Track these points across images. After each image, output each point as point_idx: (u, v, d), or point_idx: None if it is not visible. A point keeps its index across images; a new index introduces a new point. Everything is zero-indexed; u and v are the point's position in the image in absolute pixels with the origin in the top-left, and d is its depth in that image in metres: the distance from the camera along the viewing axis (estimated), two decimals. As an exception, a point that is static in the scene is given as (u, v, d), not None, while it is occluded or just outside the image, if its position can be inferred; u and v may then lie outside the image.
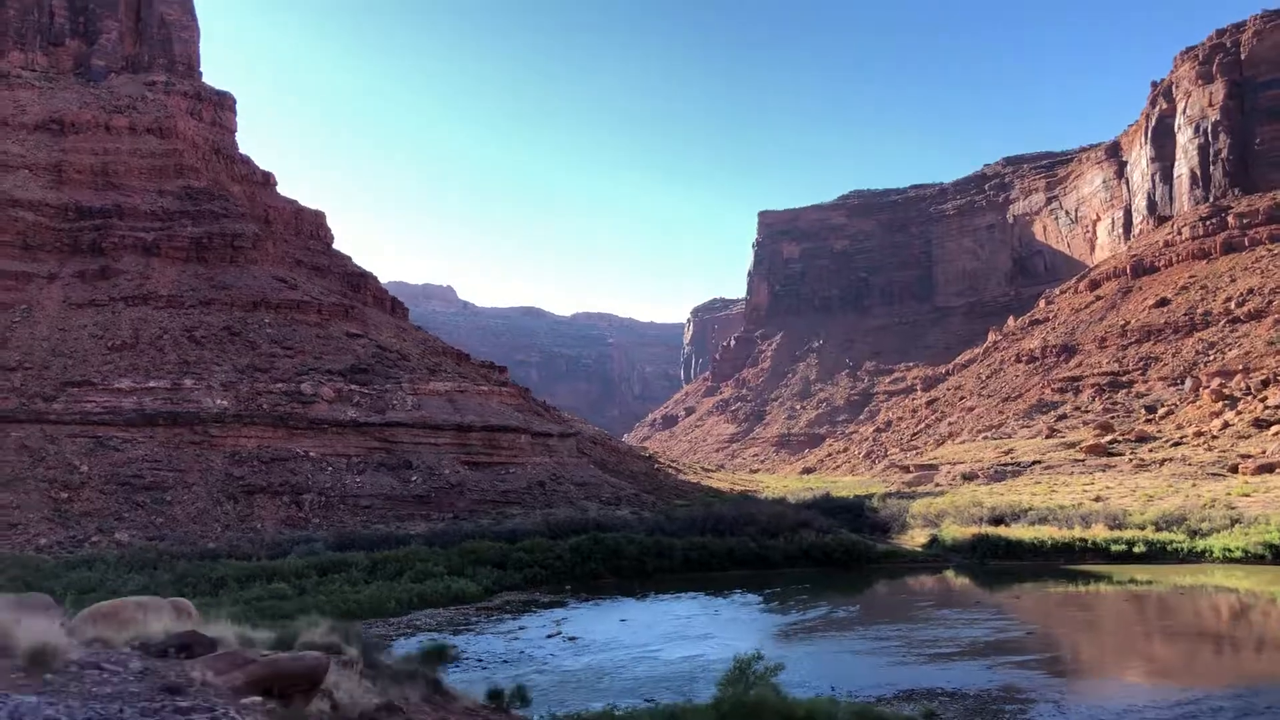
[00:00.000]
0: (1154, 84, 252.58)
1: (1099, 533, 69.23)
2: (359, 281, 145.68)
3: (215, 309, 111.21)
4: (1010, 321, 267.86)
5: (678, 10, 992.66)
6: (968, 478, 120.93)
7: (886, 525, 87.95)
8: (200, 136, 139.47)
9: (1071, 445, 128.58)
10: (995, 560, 69.05)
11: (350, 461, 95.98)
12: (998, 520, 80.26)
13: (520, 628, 50.35)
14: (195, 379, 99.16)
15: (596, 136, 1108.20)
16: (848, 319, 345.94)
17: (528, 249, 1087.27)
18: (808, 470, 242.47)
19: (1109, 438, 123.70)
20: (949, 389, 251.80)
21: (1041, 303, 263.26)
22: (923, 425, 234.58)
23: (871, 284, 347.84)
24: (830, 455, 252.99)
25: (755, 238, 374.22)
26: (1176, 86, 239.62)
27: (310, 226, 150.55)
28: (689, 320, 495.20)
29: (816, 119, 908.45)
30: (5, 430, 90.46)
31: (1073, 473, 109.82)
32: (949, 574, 67.86)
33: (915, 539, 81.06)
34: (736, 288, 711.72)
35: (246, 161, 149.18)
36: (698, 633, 47.66)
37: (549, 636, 47.70)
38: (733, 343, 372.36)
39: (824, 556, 70.30)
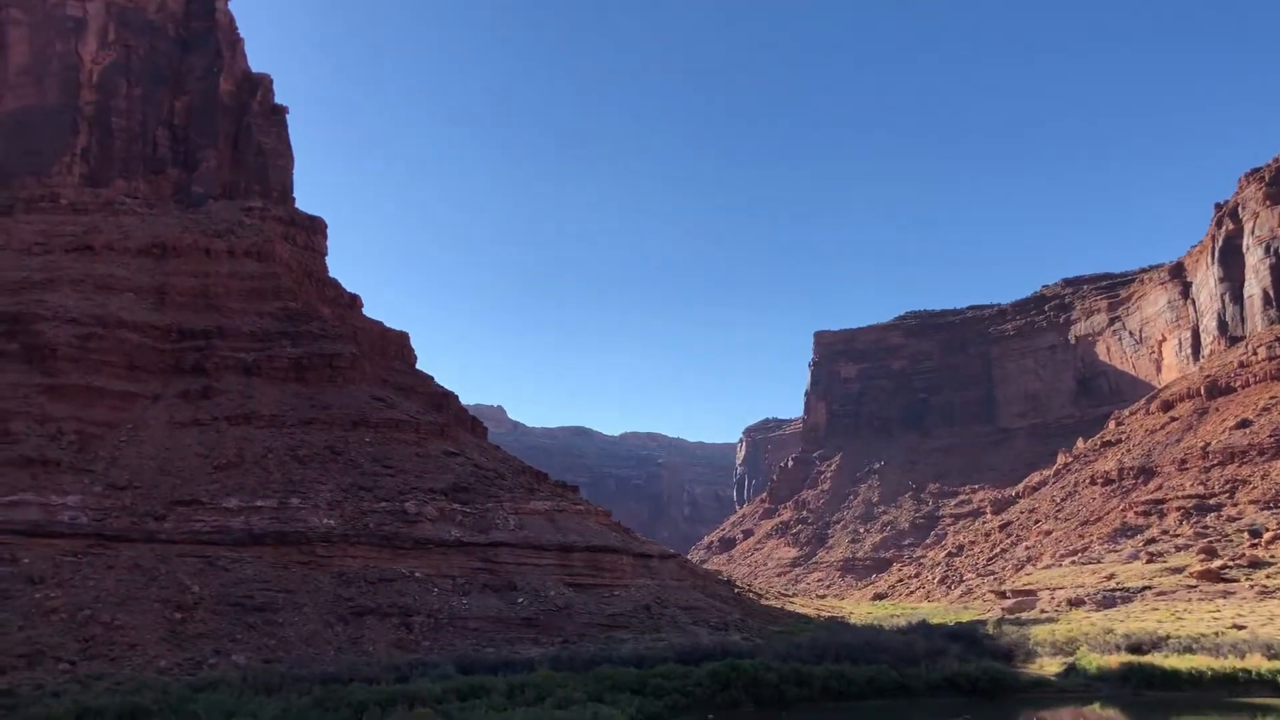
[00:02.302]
0: (1218, 205, 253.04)
1: (1260, 663, 66.25)
2: (442, 401, 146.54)
3: (316, 428, 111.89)
4: (1080, 443, 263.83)
5: (719, 124, 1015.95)
6: (1074, 604, 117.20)
7: (1009, 653, 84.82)
8: (294, 260, 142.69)
9: (1177, 570, 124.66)
10: (1150, 691, 66.11)
11: (455, 582, 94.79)
12: (1135, 649, 77.26)
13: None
14: (301, 498, 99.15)
15: (640, 252, 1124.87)
16: (908, 440, 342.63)
17: (576, 369, 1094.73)
18: (879, 596, 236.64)
19: (1218, 563, 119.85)
20: (1021, 512, 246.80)
21: (1112, 424, 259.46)
22: (998, 549, 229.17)
23: (931, 404, 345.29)
24: (902, 581, 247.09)
25: (811, 358, 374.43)
26: (1243, 207, 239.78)
27: (395, 347, 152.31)
28: (741, 440, 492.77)
29: (870, 238, 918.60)
30: (117, 549, 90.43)
31: (1190, 599, 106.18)
32: (1096, 706, 65.03)
33: (1045, 667, 78.06)
34: (788, 408, 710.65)
35: (335, 284, 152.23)
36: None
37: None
38: (790, 463, 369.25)
39: (969, 685, 67.71)
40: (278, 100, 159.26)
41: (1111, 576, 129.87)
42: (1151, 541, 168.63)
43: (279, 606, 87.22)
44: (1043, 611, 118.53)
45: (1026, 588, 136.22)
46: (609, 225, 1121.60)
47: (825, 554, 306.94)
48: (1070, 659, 77.75)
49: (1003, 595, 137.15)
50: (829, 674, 68.03)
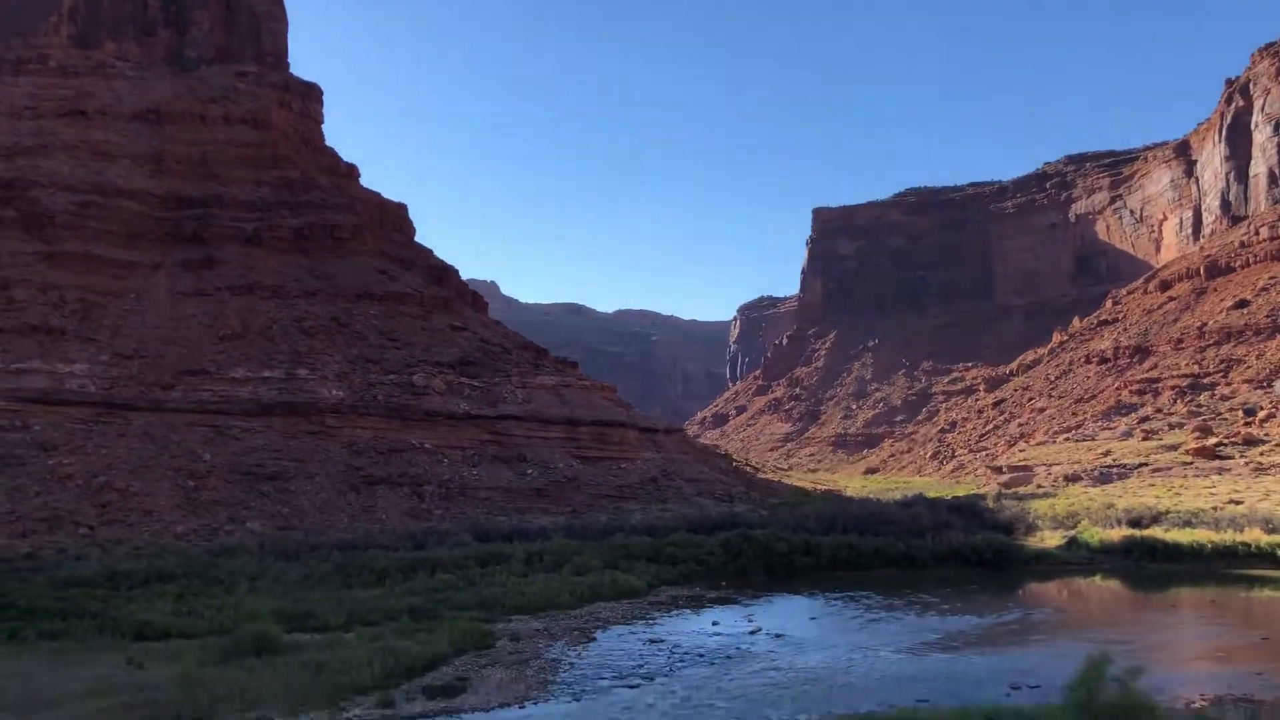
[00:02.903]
0: (1229, 81, 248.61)
1: (1259, 536, 67.55)
2: (442, 275, 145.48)
3: (320, 300, 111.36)
4: (1076, 322, 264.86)
5: (727, 5, 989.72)
6: (1071, 479, 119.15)
7: (1010, 526, 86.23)
8: (291, 127, 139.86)
9: (1172, 448, 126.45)
10: (1152, 564, 67.51)
11: (465, 453, 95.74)
12: (1135, 523, 78.58)
13: (714, 623, 49.47)
14: (309, 369, 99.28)
15: (641, 131, 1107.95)
16: (903, 318, 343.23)
17: (570, 245, 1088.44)
18: (871, 470, 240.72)
19: (1213, 441, 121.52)
20: (1015, 389, 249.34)
21: (1109, 303, 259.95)
22: (991, 426, 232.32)
23: (928, 282, 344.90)
24: (893, 456, 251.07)
25: (809, 235, 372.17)
26: (1254, 83, 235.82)
27: (394, 219, 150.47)
28: (736, 318, 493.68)
29: (871, 114, 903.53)
30: (127, 418, 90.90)
31: (1186, 476, 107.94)
32: (1098, 578, 66.41)
33: (1046, 541, 79.37)
34: (783, 286, 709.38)
35: (332, 153, 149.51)
36: (900, 632, 46.63)
37: (751, 633, 46.81)
38: (785, 341, 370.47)
39: (974, 557, 69.02)
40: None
41: (1107, 453, 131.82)
42: (1145, 420, 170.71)
43: (291, 475, 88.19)
44: (1039, 487, 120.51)
45: (1022, 464, 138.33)
46: (604, 99, 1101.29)
47: (818, 430, 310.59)
48: (1071, 533, 78.99)
49: (998, 470, 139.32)
50: (837, 544, 69.22)
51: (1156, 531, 72.77)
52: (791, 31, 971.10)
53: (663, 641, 44.83)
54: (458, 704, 34.60)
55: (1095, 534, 74.92)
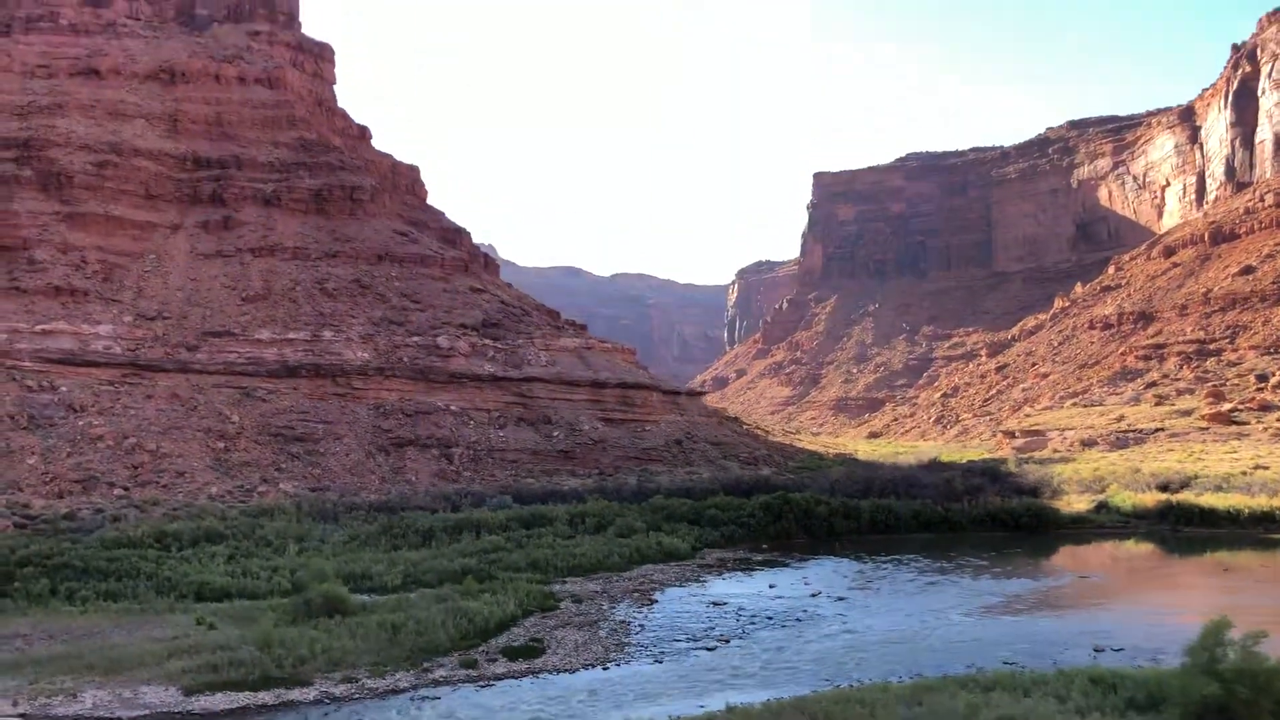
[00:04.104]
0: (1235, 46, 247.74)
1: (1294, 501, 68.15)
2: (455, 237, 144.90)
3: (341, 261, 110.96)
4: (1079, 287, 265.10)
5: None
6: (1087, 444, 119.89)
7: (1036, 490, 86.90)
8: (305, 88, 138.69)
9: (1186, 413, 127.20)
10: (1188, 528, 68.12)
11: (491, 415, 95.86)
12: (1164, 487, 79.24)
13: (770, 585, 49.87)
14: (333, 331, 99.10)
15: (639, 92, 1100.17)
16: (904, 282, 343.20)
17: (567, 207, 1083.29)
18: (874, 435, 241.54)
19: (1228, 406, 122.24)
20: (1018, 354, 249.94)
21: (1111, 269, 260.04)
22: (994, 391, 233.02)
23: (929, 247, 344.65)
24: (896, 420, 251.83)
25: (810, 199, 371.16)
26: (1262, 49, 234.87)
27: (407, 181, 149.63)
28: (734, 282, 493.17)
29: (872, 78, 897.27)
30: (154, 379, 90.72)
31: (1204, 441, 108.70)
32: (1132, 542, 66.98)
33: (1074, 504, 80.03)
34: (781, 250, 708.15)
35: (345, 115, 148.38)
36: (960, 595, 47.04)
37: (812, 595, 47.22)
38: (785, 305, 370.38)
39: (1011, 521, 69.55)
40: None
41: (1121, 418, 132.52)
42: (1152, 385, 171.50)
43: (319, 437, 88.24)
44: (1055, 451, 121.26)
45: (1035, 428, 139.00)
46: (603, 58, 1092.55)
47: (818, 394, 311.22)
48: (1100, 497, 79.64)
49: (1011, 435, 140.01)
50: (876, 508, 69.70)
51: (1189, 496, 73.34)
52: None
53: (726, 604, 45.21)
54: (540, 664, 34.99)
55: (1127, 498, 75.53)
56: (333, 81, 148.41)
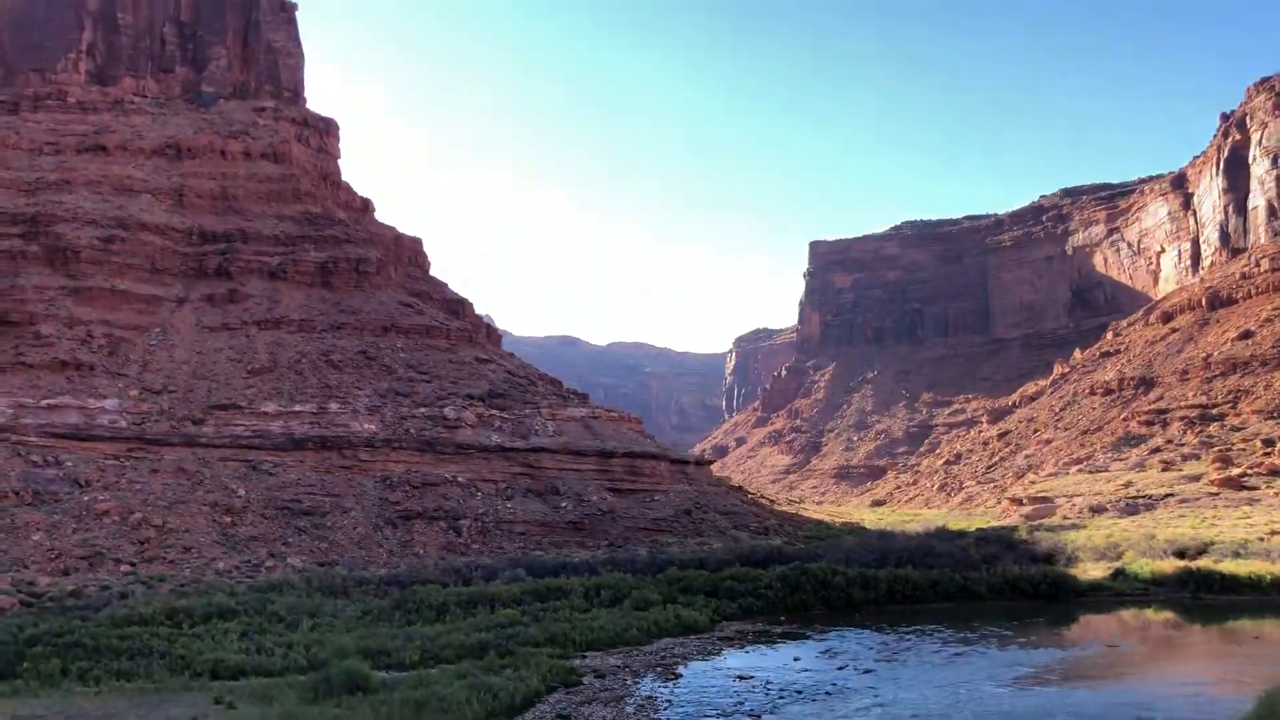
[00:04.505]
0: (1224, 115, 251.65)
1: (1317, 568, 67.40)
2: (458, 308, 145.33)
3: (347, 333, 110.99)
4: (1078, 353, 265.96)
5: (722, 39, 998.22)
6: (1096, 511, 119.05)
7: (1050, 557, 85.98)
8: (309, 162, 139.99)
9: (1194, 479, 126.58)
10: (1209, 595, 67.24)
11: (498, 486, 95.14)
12: (1181, 554, 78.44)
13: (795, 658, 48.97)
14: (340, 403, 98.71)
15: (633, 161, 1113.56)
16: (901, 350, 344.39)
17: (562, 277, 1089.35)
18: (878, 503, 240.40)
19: (1237, 471, 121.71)
20: (1019, 421, 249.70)
21: (1109, 335, 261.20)
22: (997, 458, 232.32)
23: (925, 315, 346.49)
24: (899, 488, 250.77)
25: (807, 267, 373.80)
26: (1251, 118, 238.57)
27: (410, 253, 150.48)
28: (731, 350, 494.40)
29: (866, 147, 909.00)
30: (159, 453, 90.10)
31: (1216, 507, 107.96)
32: (1151, 610, 66.07)
33: (1089, 572, 79.09)
34: (778, 318, 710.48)
35: (348, 188, 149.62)
36: (989, 666, 46.20)
37: (839, 669, 46.35)
38: (783, 373, 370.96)
39: (1030, 589, 68.64)
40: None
41: (1128, 484, 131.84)
42: (1156, 450, 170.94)
43: (326, 510, 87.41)
44: (1065, 518, 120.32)
45: (1042, 495, 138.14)
46: (598, 129, 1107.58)
47: (819, 461, 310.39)
48: (1116, 564, 78.72)
49: (1018, 502, 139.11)
50: (893, 578, 68.66)
51: (1208, 563, 72.55)
52: (786, 64, 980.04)
53: (752, 678, 44.30)
54: (571, 744, 34.13)
55: (1145, 565, 74.61)
56: (337, 156, 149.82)
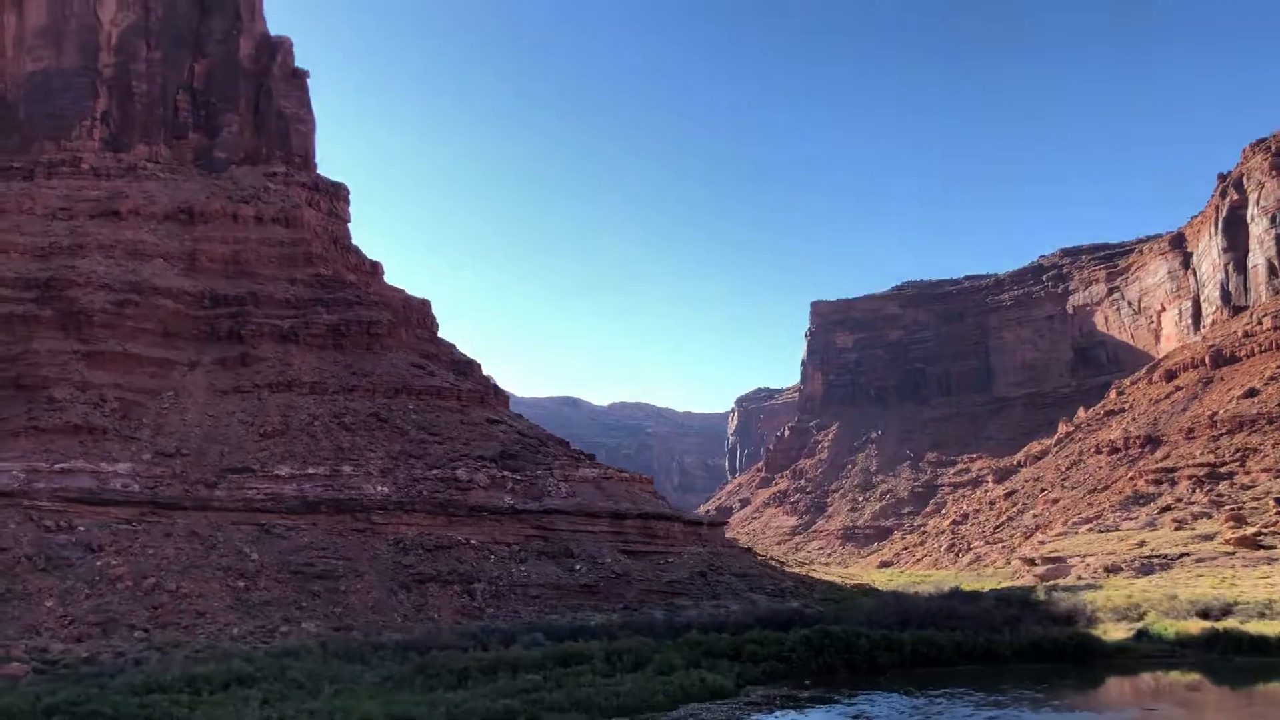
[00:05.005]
0: (1221, 175, 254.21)
1: (1343, 627, 66.77)
2: (466, 369, 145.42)
3: (359, 395, 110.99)
4: (1082, 412, 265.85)
5: (720, 96, 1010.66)
6: (1111, 570, 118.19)
7: (1070, 619, 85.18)
8: (321, 226, 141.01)
9: (1208, 538, 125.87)
10: (1239, 657, 66.50)
11: (511, 549, 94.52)
12: (1204, 614, 77.78)
13: (829, 724, 48.40)
14: (353, 465, 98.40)
15: (630, 219, 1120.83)
16: (905, 409, 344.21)
17: (563, 338, 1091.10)
18: (885, 564, 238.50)
19: (1252, 530, 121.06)
20: (1025, 480, 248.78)
21: (1113, 393, 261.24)
22: (1004, 518, 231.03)
23: (928, 374, 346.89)
24: (906, 549, 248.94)
25: (808, 327, 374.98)
26: (1248, 178, 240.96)
27: (418, 315, 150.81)
28: (733, 410, 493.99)
29: (864, 208, 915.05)
30: (172, 517, 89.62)
31: (1234, 566, 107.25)
32: (1178, 673, 65.31)
33: (1110, 633, 78.35)
34: (779, 377, 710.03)
35: (358, 251, 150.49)
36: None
37: (875, 735, 45.73)
38: (786, 433, 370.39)
39: (1056, 651, 67.91)
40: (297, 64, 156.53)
41: (1142, 543, 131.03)
42: (1166, 509, 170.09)
43: (340, 574, 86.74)
44: (1080, 578, 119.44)
45: (1055, 555, 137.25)
46: (596, 190, 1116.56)
47: (825, 523, 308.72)
48: (1137, 625, 78.05)
49: (1031, 562, 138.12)
50: (917, 640, 67.99)
51: (1235, 623, 71.87)
52: (785, 124, 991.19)
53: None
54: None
55: (1169, 626, 73.93)
56: (347, 219, 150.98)
